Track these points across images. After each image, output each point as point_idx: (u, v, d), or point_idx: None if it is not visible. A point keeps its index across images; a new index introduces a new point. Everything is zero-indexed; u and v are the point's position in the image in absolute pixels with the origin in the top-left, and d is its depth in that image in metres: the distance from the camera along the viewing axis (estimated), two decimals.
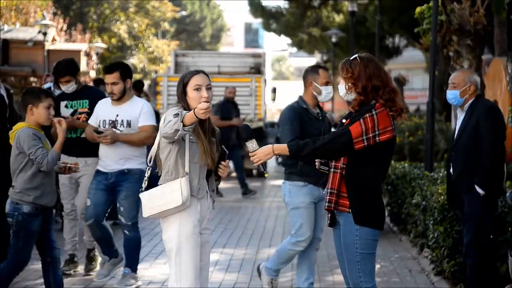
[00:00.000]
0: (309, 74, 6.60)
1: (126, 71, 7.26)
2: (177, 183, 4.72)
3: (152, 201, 4.80)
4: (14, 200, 5.78)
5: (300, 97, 6.66)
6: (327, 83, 6.57)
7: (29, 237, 5.79)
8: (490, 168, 6.25)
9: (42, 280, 7.37)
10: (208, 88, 4.85)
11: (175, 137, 4.60)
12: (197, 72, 4.90)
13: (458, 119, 6.56)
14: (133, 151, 7.20)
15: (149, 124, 7.17)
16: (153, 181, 4.98)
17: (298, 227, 6.59)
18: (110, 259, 7.43)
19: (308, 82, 6.59)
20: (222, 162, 4.92)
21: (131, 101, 7.28)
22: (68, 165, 6.07)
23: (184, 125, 4.51)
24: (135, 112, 7.19)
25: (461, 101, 6.43)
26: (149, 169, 4.96)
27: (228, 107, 15.45)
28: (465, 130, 6.36)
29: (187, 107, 4.81)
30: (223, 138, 5.20)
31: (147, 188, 4.95)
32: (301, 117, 6.49)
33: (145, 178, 4.98)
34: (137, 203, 7.14)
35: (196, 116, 4.53)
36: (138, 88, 14.04)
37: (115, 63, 7.43)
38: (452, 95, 6.47)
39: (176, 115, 4.54)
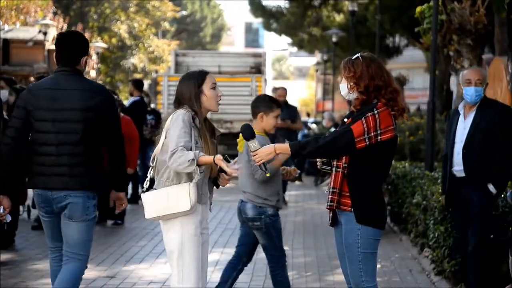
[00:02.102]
0: None
1: None
2: (185, 188, 4.68)
3: (156, 203, 4.75)
4: (257, 204, 6.02)
5: None
6: None
7: (279, 234, 6.14)
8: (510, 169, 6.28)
9: (42, 281, 7.39)
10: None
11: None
12: (207, 71, 4.93)
13: (466, 116, 6.50)
14: None
15: None
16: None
17: None
18: None
19: None
20: (224, 174, 4.85)
21: None
22: (288, 169, 6.20)
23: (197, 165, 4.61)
24: None
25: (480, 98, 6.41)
26: (151, 169, 4.90)
27: None
28: (478, 129, 6.34)
29: (199, 108, 4.79)
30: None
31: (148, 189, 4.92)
32: None
33: (147, 179, 4.93)
34: None
35: (215, 163, 4.64)
36: (138, 87, 14.01)
37: None
38: (478, 92, 6.40)
39: (192, 160, 4.56)
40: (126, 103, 13.34)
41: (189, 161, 4.55)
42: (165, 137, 4.74)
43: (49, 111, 5.17)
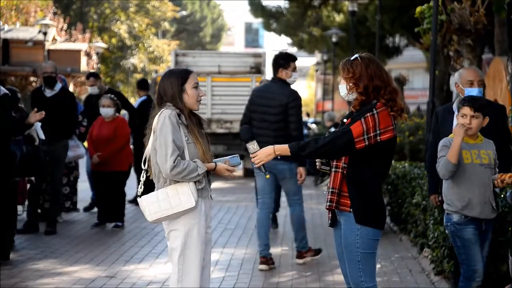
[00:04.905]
0: None
1: None
2: (185, 186, 4.66)
3: (158, 204, 4.69)
4: (446, 210, 5.71)
5: None
6: None
7: (466, 245, 5.66)
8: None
9: (42, 280, 7.39)
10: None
11: None
12: (190, 70, 4.87)
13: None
14: None
15: None
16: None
17: None
18: None
19: None
20: (225, 166, 4.84)
21: None
22: None
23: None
24: None
25: None
26: (145, 172, 4.83)
27: None
28: None
29: (183, 106, 4.75)
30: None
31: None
32: None
33: (141, 182, 4.86)
34: None
35: (215, 171, 4.83)
36: (143, 87, 13.95)
37: None
38: (481, 93, 6.33)
39: (199, 175, 4.67)
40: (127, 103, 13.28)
41: (198, 175, 4.66)
42: (155, 138, 4.69)
43: (258, 105, 8.09)
